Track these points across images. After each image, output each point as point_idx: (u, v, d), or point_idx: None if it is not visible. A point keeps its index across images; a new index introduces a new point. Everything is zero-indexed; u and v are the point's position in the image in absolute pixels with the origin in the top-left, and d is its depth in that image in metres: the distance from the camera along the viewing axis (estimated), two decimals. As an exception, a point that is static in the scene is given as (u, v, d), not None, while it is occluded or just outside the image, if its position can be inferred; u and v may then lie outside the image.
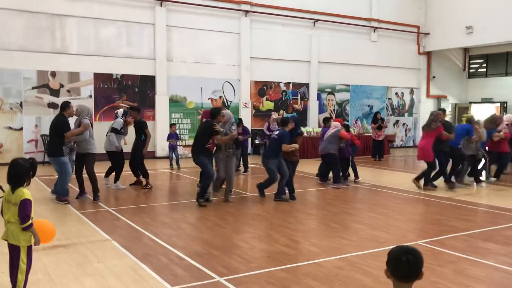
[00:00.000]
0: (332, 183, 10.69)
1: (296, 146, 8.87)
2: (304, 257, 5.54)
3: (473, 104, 23.42)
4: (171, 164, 13.84)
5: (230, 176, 8.84)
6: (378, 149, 16.53)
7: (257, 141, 17.37)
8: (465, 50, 23.90)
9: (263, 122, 17.01)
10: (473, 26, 20.03)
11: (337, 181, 10.54)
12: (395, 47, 21.59)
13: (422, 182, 10.25)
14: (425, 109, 22.87)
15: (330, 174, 11.00)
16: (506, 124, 11.60)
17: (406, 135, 22.62)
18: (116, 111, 10.63)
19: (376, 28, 20.81)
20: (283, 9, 18.43)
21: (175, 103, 16.77)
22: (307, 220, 7.51)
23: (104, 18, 15.38)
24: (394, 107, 22.16)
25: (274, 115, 17.43)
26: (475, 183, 11.04)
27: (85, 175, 8.65)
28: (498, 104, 22.33)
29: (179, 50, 16.67)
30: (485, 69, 23.87)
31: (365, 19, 20.56)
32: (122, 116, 10.05)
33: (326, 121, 11.46)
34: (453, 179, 10.60)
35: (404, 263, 2.27)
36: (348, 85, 20.54)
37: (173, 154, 13.79)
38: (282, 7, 18.39)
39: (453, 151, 10.31)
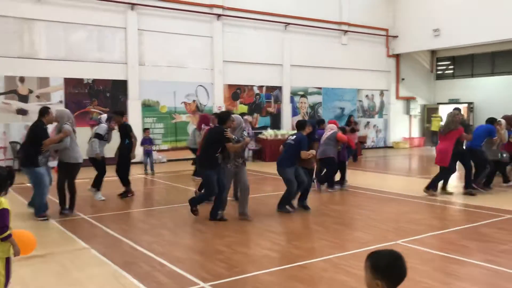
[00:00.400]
0: (327, 187, 10.34)
1: (314, 152, 8.18)
2: (288, 260, 5.55)
3: (441, 105, 23.97)
4: (145, 170, 13.67)
5: (247, 186, 7.58)
6: (352, 151, 16.74)
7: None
8: (433, 52, 24.47)
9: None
10: (440, 29, 20.53)
11: (331, 186, 10.29)
12: (365, 50, 21.92)
13: (439, 188, 9.92)
14: (394, 110, 23.33)
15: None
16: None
17: (376, 136, 22.97)
18: (99, 117, 10.04)
19: (346, 31, 21.09)
20: (255, 13, 18.48)
21: (147, 107, 16.57)
22: (288, 223, 7.51)
23: (74, 22, 15.09)
24: (365, 109, 22.49)
25: (249, 119, 17.44)
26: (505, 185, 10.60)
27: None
28: (466, 105, 22.91)
29: (151, 54, 16.49)
30: (452, 71, 24.49)
31: (335, 23, 20.82)
32: (106, 122, 9.51)
33: (321, 123, 11.07)
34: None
35: (401, 269, 2.21)
36: (320, 88, 20.74)
37: (148, 160, 13.62)
38: (254, 10, 18.43)
39: (474, 154, 9.74)
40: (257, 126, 18.74)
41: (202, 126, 9.01)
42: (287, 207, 8.07)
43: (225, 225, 7.31)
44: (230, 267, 5.23)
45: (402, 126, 23.77)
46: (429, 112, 23.88)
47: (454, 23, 19.94)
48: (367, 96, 22.53)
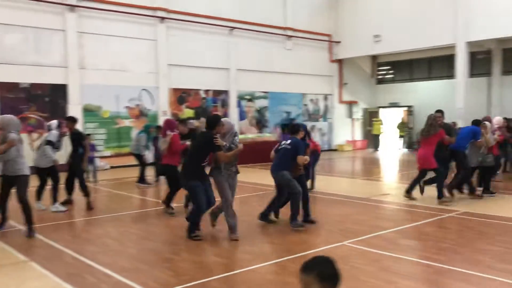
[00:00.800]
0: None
1: (308, 158, 7.51)
2: (237, 265, 5.51)
3: (381, 108, 24.81)
4: (87, 177, 13.18)
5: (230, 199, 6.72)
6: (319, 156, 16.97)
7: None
8: (374, 57, 25.30)
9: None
10: (380, 35, 21.26)
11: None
12: (309, 55, 22.33)
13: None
14: (338, 114, 23.89)
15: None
16: (498, 127, 10.85)
17: (321, 139, 23.42)
18: (48, 124, 9.32)
19: (291, 36, 21.40)
20: (200, 17, 18.37)
21: (89, 112, 16.04)
22: (238, 229, 7.46)
23: (9, 23, 14.39)
24: (310, 113, 22.88)
25: (195, 123, 17.29)
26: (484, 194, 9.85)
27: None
28: (405, 108, 23.84)
29: (92, 57, 15.99)
30: (392, 76, 25.42)
31: (280, 28, 21.08)
32: (57, 128, 8.95)
33: (286, 127, 10.73)
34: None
35: (339, 272, 2.23)
36: (267, 92, 20.91)
37: (90, 167, 13.15)
38: (198, 14, 18.32)
39: (456, 156, 9.49)
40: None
41: (167, 132, 8.31)
42: (298, 220, 7.14)
43: (173, 232, 7.17)
44: (178, 275, 5.12)
45: (346, 130, 24.39)
46: (371, 115, 24.64)
47: (394, 30, 20.71)
48: (311, 100, 22.94)
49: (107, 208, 9.35)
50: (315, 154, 10.46)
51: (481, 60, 21.15)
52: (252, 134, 19.53)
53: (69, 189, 9.37)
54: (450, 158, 9.56)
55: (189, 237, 6.56)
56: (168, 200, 8.49)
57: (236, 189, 6.84)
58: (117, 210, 8.96)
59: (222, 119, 6.67)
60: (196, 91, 18.71)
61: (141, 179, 12.13)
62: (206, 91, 19.00)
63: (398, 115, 24.14)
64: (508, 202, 9.50)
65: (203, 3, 18.62)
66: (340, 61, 23.68)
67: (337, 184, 12.66)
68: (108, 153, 16.46)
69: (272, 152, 7.64)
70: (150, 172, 12.69)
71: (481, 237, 6.69)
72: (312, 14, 22.40)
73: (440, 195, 9.02)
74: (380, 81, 25.75)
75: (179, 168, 7.87)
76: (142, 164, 12.17)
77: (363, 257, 5.77)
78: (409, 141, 23.29)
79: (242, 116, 20.03)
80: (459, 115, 18.70)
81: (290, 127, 7.89)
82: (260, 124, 20.77)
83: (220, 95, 19.41)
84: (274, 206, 7.64)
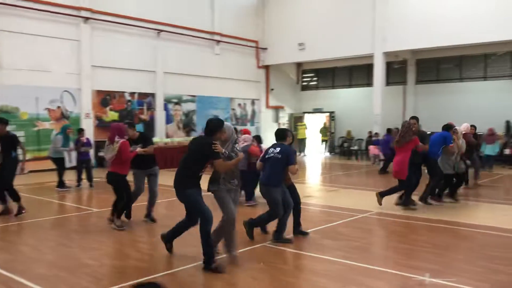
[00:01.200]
0: (246, 201, 9.61)
1: (298, 168, 6.87)
2: (158, 269, 5.53)
3: (306, 113, 25.60)
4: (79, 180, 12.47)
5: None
6: None
7: (101, 153, 16.66)
8: (299, 65, 26.08)
9: (107, 133, 16.42)
10: (305, 43, 21.97)
11: (251, 198, 9.63)
12: (237, 60, 22.60)
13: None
14: (265, 119, 24.35)
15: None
16: (464, 134, 10.53)
17: (249, 143, 23.76)
18: None
19: (218, 41, 21.56)
20: (126, 18, 18.03)
21: (5, 114, 15.18)
22: (158, 231, 7.43)
23: None
24: (238, 117, 23.16)
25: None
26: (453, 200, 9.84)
27: None
28: (328, 114, 24.79)
29: (10, 57, 15.18)
30: (316, 82, 26.34)
31: (208, 32, 21.17)
32: None
33: (235, 132, 10.73)
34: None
35: None
36: (194, 96, 20.90)
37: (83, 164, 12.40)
38: (125, 15, 17.98)
39: (428, 163, 9.32)
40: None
41: (116, 138, 7.40)
42: (285, 236, 6.71)
43: (93, 237, 7.03)
44: (97, 281, 5.07)
45: (272, 134, 24.76)
46: (296, 120, 25.35)
47: (317, 39, 21.50)
48: (239, 104, 23.23)
49: (25, 214, 8.94)
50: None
51: (397, 69, 22.48)
52: (179, 138, 19.42)
53: (1, 197, 8.59)
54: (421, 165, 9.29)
55: (209, 268, 5.33)
56: (118, 213, 7.58)
57: (235, 204, 5.88)
58: (36, 216, 8.59)
59: (224, 124, 5.72)
60: (121, 93, 18.32)
61: (61, 183, 11.71)
62: (132, 93, 18.66)
63: (321, 120, 25.04)
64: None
65: (130, 5, 18.30)
66: (267, 67, 24.18)
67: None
68: (27, 156, 15.64)
69: (259, 162, 6.96)
70: (70, 176, 12.29)
71: (392, 236, 7.18)
72: (239, 21, 22.70)
73: (407, 203, 8.95)
74: (305, 88, 26.58)
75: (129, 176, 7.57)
76: (60, 167, 11.75)
77: (282, 257, 6.03)
78: (331, 145, 24.25)
79: (169, 120, 19.88)
80: (376, 121, 19.82)
81: (276, 132, 6.99)
82: (188, 127, 20.71)
83: (146, 98, 19.14)
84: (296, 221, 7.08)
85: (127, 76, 18.29)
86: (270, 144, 6.99)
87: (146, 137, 8.17)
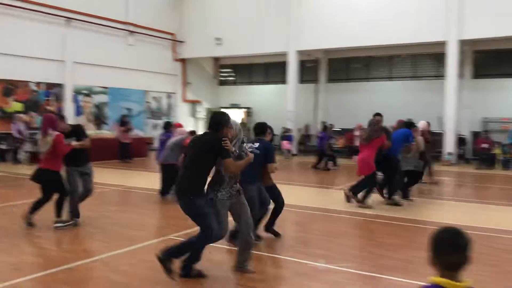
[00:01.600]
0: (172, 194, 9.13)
1: (277, 166, 6.31)
2: (55, 263, 5.36)
3: (223, 108, 25.74)
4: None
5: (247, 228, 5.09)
6: (126, 151, 16.89)
7: (3, 146, 15.73)
8: (216, 59, 26.15)
9: (10, 124, 15.58)
10: (222, 38, 22.08)
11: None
12: (152, 52, 22.20)
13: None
14: (182, 112, 24.17)
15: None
16: (422, 131, 10.37)
17: (165, 137, 23.47)
18: None
19: (132, 32, 21.04)
20: (33, 3, 17.04)
21: None
22: (62, 228, 7.19)
23: None
24: (153, 110, 22.78)
25: (24, 117, 16.15)
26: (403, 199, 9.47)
27: None
28: (245, 109, 25.13)
29: None
30: (233, 78, 26.58)
31: (121, 22, 20.57)
32: None
33: (168, 126, 10.29)
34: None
35: None
36: (106, 88, 20.24)
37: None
38: (31, 1, 16.98)
39: (388, 161, 8.90)
40: (35, 126, 17.28)
41: (49, 131, 6.63)
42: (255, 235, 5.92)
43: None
44: (-13, 278, 4.83)
45: (189, 128, 24.72)
46: (213, 115, 25.38)
47: (234, 35, 21.70)
48: (154, 98, 22.84)
49: None
50: None
51: (310, 68, 23.32)
52: (89, 131, 18.70)
53: None
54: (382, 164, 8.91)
55: (186, 275, 4.87)
56: (32, 209, 6.90)
57: (247, 213, 5.13)
58: None
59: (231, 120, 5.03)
60: (25, 83, 17.30)
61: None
62: (38, 83, 17.69)
63: (239, 115, 25.31)
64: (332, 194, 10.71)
65: (36, -11, 17.33)
66: (184, 61, 23.98)
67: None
68: None
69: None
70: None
71: (290, 226, 7.51)
72: (155, 12, 22.31)
73: (363, 199, 8.77)
74: (223, 83, 26.73)
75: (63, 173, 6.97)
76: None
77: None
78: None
79: (78, 112, 19.08)
80: (290, 118, 20.44)
81: (255, 126, 6.38)
82: (99, 120, 20.04)
83: (53, 89, 18.23)
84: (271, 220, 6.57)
85: (32, 64, 17.29)
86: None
87: (79, 130, 7.38)
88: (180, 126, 10.47)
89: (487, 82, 19.30)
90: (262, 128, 6.24)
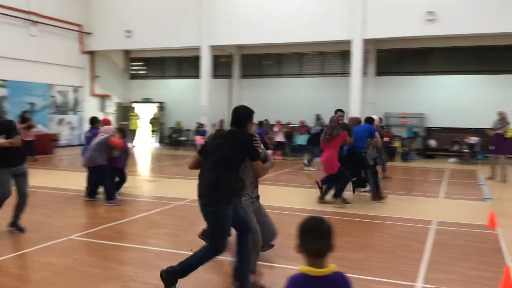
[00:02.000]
0: (106, 200, 8.58)
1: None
2: None
3: (135, 103, 25.06)
4: None
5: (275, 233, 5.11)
6: (29, 149, 15.92)
7: None
8: (127, 52, 25.36)
9: None
10: (132, 30, 21.44)
11: (112, 198, 8.58)
12: (57, 44, 21.03)
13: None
14: (90, 107, 23.17)
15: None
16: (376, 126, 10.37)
17: (71, 133, 22.39)
18: None
19: (36, 22, 19.80)
20: None
21: None
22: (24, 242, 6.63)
23: None
24: (58, 105, 21.61)
25: None
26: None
27: None
28: (158, 104, 24.65)
29: None
30: (145, 72, 25.93)
31: (23, 12, 19.27)
32: None
33: (94, 121, 9.44)
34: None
35: None
36: (5, 80, 18.86)
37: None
38: None
39: (356, 157, 8.93)
40: None
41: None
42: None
43: None
44: None
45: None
46: (124, 110, 24.63)
47: (145, 27, 21.18)
48: (60, 92, 21.67)
49: None
50: (126, 153, 9.42)
51: (223, 63, 23.39)
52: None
53: None
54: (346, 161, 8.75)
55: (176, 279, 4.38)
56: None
57: (269, 219, 5.00)
58: None
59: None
60: None
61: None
62: None
63: (151, 110, 24.80)
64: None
65: None
66: (92, 53, 22.98)
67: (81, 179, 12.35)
68: None
69: None
70: None
71: (199, 221, 7.49)
72: (61, 2, 21.14)
73: (338, 195, 8.67)
74: (134, 76, 26.00)
75: None
76: None
77: (88, 249, 5.91)
78: (161, 136, 24.21)
79: (-26, 106, 17.65)
80: (203, 113, 20.40)
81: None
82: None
83: None
84: None
85: None
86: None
87: (8, 126, 6.57)
88: (107, 122, 9.74)
89: (389, 80, 20.56)
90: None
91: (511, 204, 9.55)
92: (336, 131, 8.36)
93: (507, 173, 12.31)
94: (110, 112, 24.35)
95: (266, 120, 17.94)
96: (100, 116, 23.31)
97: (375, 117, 10.67)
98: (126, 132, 9.36)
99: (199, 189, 4.34)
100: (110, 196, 8.57)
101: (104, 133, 8.75)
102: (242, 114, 4.44)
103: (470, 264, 5.47)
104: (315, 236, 2.28)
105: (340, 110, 9.03)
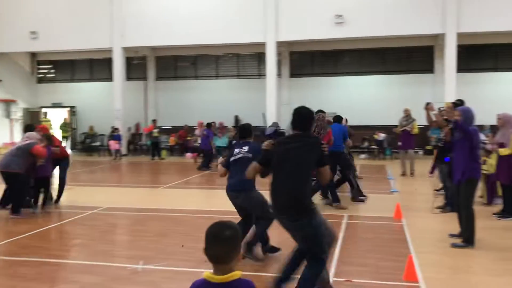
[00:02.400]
0: (12, 213, 7.86)
1: None
2: None
3: (44, 108, 23.69)
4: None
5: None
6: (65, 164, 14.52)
7: None
8: (33, 54, 23.91)
9: None
10: (38, 31, 20.25)
11: (17, 211, 7.84)
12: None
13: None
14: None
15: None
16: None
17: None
18: None
19: None
20: None
21: None
22: None
23: None
24: (-44, 112, 19.88)
25: None
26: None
27: None
28: (68, 108, 23.46)
29: None
30: (54, 75, 24.57)
31: None
32: None
33: (29, 129, 8.57)
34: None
35: None
36: None
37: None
38: None
39: (338, 158, 8.72)
40: None
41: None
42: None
43: None
44: None
45: (2, 130, 22.24)
46: (32, 115, 23.17)
47: (52, 28, 20.09)
48: (-43, 97, 19.97)
49: None
50: (65, 160, 9.04)
51: (137, 65, 22.74)
52: None
53: None
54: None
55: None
56: None
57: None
58: None
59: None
60: None
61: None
62: None
63: (62, 115, 23.56)
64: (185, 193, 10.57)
65: None
66: (-6, 56, 21.43)
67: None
68: None
69: (220, 167, 5.72)
70: None
71: (115, 229, 7.25)
72: (-46, -1, 19.50)
73: (335, 200, 8.60)
74: (41, 80, 24.55)
75: None
76: None
77: (-12, 266, 5.45)
78: (72, 141, 23.09)
79: None
80: (118, 116, 19.75)
81: (241, 128, 5.98)
82: None
83: None
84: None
85: None
86: (2, 143, 5.70)
87: None
88: (44, 129, 8.84)
89: (303, 81, 21.14)
90: (248, 131, 5.81)
91: (415, 196, 10.18)
92: (324, 130, 8.29)
93: (414, 167, 13.07)
94: (16, 118, 22.84)
95: (213, 122, 17.29)
96: (2, 123, 21.92)
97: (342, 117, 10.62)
98: (53, 140, 8.67)
99: (278, 202, 4.09)
100: (16, 209, 7.88)
101: (28, 139, 8.08)
102: (306, 116, 4.29)
103: (380, 255, 5.74)
104: (214, 242, 2.24)
105: (321, 111, 8.64)
